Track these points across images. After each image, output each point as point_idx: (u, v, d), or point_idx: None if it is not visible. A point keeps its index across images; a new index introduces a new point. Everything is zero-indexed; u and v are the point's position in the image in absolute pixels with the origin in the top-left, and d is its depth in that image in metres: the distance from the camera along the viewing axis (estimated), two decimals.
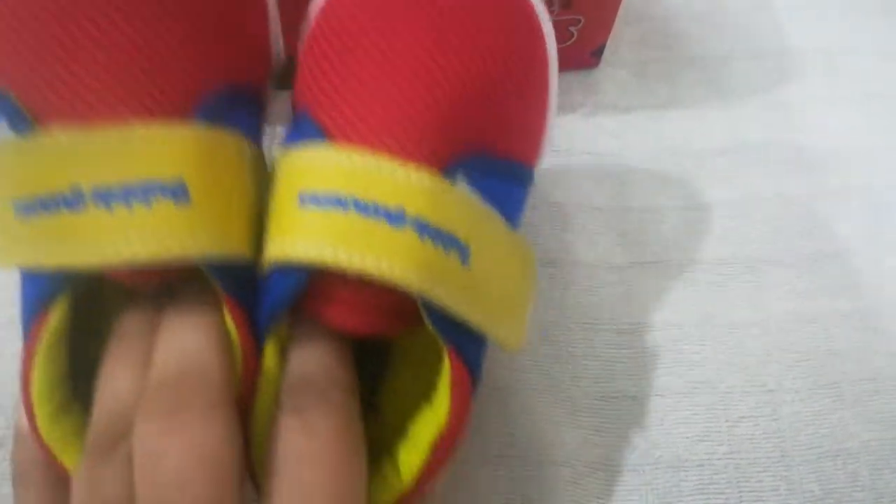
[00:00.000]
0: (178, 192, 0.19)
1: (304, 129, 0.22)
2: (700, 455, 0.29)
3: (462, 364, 0.21)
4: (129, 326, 0.22)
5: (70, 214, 0.19)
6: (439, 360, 0.23)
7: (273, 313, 0.21)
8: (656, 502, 0.28)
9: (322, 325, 0.22)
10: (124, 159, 0.19)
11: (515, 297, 0.24)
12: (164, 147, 0.19)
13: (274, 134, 0.29)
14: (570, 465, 0.29)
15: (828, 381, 0.30)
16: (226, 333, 0.21)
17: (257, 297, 0.22)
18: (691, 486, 0.29)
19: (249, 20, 0.24)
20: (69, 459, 0.21)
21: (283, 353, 0.22)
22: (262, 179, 0.23)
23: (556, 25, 0.35)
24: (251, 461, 0.22)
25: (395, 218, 0.20)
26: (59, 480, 0.21)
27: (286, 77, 0.26)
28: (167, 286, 0.22)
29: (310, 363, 0.22)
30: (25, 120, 0.20)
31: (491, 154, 0.23)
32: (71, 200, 0.19)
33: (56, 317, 0.21)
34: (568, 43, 0.36)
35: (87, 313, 0.23)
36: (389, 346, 0.27)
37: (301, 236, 0.20)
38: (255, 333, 0.22)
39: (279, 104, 0.27)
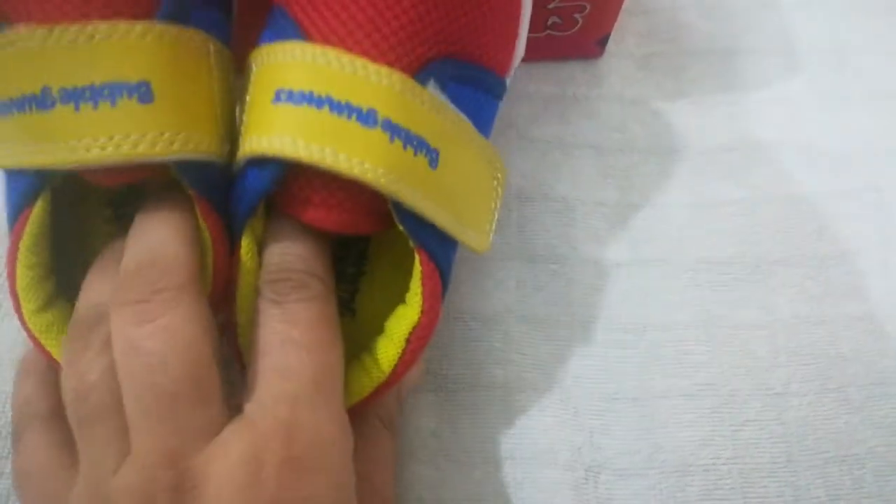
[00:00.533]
0: (143, 91, 0.20)
1: (281, 27, 0.23)
2: (705, 459, 0.28)
3: (430, 261, 0.23)
4: (112, 245, 0.24)
5: (41, 114, 0.20)
6: (413, 264, 0.24)
7: (248, 207, 0.22)
8: None
9: (299, 221, 0.23)
10: (90, 61, 0.20)
11: (481, 202, 0.25)
12: (128, 47, 0.20)
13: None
14: (572, 468, 0.28)
15: (835, 385, 0.30)
16: (194, 227, 0.22)
17: (228, 195, 0.23)
18: (696, 490, 0.28)
19: None
20: (55, 348, 0.23)
21: (259, 247, 0.23)
22: (230, 77, 0.24)
23: (561, 12, 0.34)
24: (237, 347, 0.23)
25: (366, 118, 0.21)
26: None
27: None
28: (141, 189, 0.23)
29: (288, 255, 0.23)
30: None
31: (462, 59, 0.23)
32: (41, 101, 0.20)
33: (36, 214, 0.22)
34: (572, 30, 0.35)
35: (73, 220, 0.25)
36: (367, 254, 0.28)
37: (276, 131, 0.21)
38: (227, 230, 0.23)
39: None
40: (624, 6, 0.34)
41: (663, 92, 0.36)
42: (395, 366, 0.23)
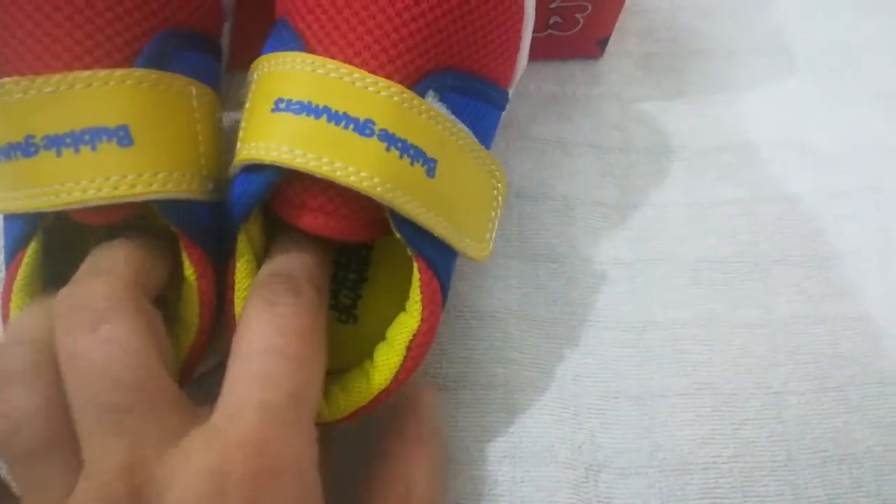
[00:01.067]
0: (122, 135, 0.21)
1: (283, 37, 0.23)
2: (705, 458, 0.28)
3: (429, 269, 0.23)
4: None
5: (25, 161, 0.20)
6: (413, 272, 0.24)
7: (243, 212, 0.23)
8: None
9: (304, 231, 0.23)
10: (71, 108, 0.20)
11: (481, 211, 0.25)
12: (107, 94, 0.21)
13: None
14: (572, 466, 0.28)
15: (833, 385, 0.30)
16: (150, 245, 0.23)
17: (215, 230, 0.24)
18: (696, 489, 0.28)
19: None
20: None
21: (255, 252, 0.24)
22: (217, 117, 0.24)
23: (563, 12, 0.34)
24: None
25: (363, 128, 0.21)
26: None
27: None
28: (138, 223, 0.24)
29: (292, 259, 0.23)
30: None
31: (462, 71, 0.24)
32: (25, 148, 0.20)
33: (29, 257, 0.22)
34: (573, 30, 0.35)
35: (73, 260, 0.25)
36: (369, 260, 0.29)
37: (273, 139, 0.21)
38: (212, 264, 0.23)
39: None
40: (624, 6, 0.34)
41: (663, 91, 0.37)
42: (396, 373, 0.23)
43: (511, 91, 0.27)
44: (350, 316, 0.28)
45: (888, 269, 0.32)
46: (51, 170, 0.20)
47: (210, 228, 0.24)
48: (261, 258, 0.24)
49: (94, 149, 0.20)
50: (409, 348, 0.23)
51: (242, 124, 0.23)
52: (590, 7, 0.34)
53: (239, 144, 0.23)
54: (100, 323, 0.20)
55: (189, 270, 0.23)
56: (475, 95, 0.24)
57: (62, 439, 0.19)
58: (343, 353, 0.26)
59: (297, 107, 0.21)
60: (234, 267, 0.23)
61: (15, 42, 0.21)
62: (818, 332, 0.31)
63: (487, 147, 0.26)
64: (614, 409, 0.29)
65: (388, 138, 0.21)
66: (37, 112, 0.20)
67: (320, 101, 0.21)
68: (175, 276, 0.24)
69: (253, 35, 0.26)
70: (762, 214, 0.33)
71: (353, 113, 0.21)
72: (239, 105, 0.24)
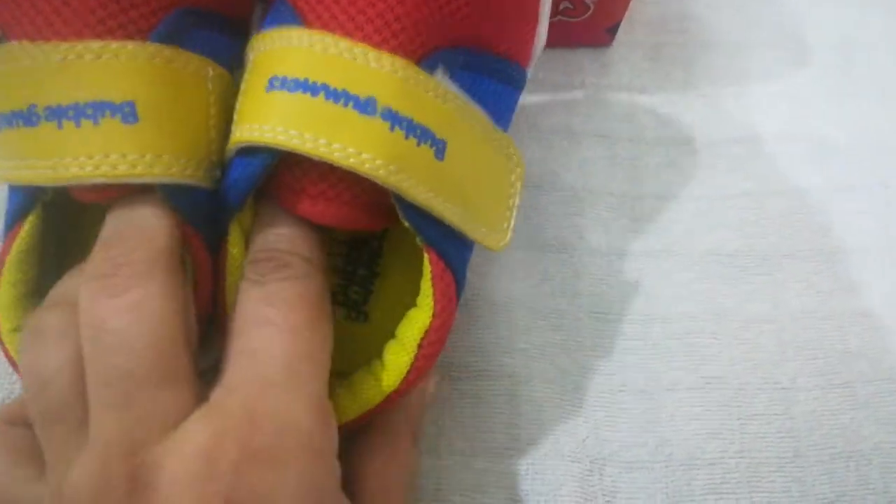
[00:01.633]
0: (126, 112, 0.20)
1: (280, 12, 0.22)
2: (712, 453, 0.28)
3: (441, 260, 0.21)
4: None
5: (27, 130, 0.19)
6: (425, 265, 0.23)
7: (237, 198, 0.21)
8: (666, 501, 0.27)
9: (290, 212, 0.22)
10: (77, 79, 0.19)
11: (497, 197, 0.23)
12: (116, 67, 0.20)
13: None
14: (578, 460, 0.28)
15: (842, 381, 0.29)
16: (173, 214, 0.21)
17: (213, 218, 0.22)
18: (702, 484, 0.28)
19: None
20: None
21: (246, 242, 0.22)
22: (232, 101, 0.23)
23: None
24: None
25: (364, 106, 0.19)
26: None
27: None
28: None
29: (271, 235, 0.22)
30: None
31: (476, 48, 0.22)
32: (27, 117, 0.19)
33: (25, 231, 0.21)
34: (584, 16, 0.35)
35: (73, 243, 0.24)
36: (381, 254, 0.27)
37: (268, 119, 0.20)
38: (212, 254, 0.22)
39: None
40: None
41: (672, 83, 0.36)
42: (407, 373, 0.22)
43: (529, 71, 0.26)
44: (360, 313, 0.27)
45: None
46: (51, 142, 0.19)
47: (211, 217, 0.22)
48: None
49: (95, 123, 0.19)
50: (420, 346, 0.22)
51: (237, 106, 0.22)
52: None
53: (233, 127, 0.22)
54: (128, 288, 0.19)
55: (187, 259, 0.22)
56: (490, 74, 0.23)
57: (79, 405, 0.19)
58: (353, 354, 0.24)
59: (292, 84, 0.20)
60: (224, 256, 0.22)
61: (27, 4, 0.20)
62: (827, 328, 0.30)
63: (505, 129, 0.24)
64: (620, 403, 0.29)
65: (392, 117, 0.20)
66: (43, 80, 0.19)
67: (318, 78, 0.20)
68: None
69: None
70: (771, 208, 0.33)
71: (353, 90, 0.20)
72: None
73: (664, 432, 0.28)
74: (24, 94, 0.20)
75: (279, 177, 0.21)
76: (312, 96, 0.20)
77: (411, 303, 0.23)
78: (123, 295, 0.19)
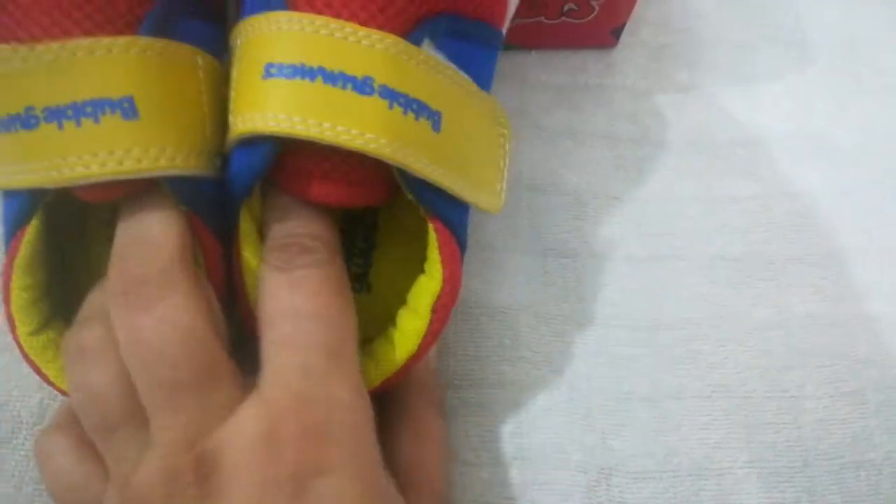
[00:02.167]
0: (126, 107, 0.20)
1: None
2: (720, 463, 0.28)
3: (445, 227, 0.22)
4: None
5: (26, 133, 0.19)
6: (425, 233, 0.23)
7: (243, 188, 0.22)
8: None
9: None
10: (72, 78, 0.19)
11: (489, 161, 0.24)
12: (111, 63, 0.20)
13: None
14: (584, 469, 0.27)
15: (851, 389, 0.29)
16: (179, 213, 0.22)
17: (221, 205, 0.23)
18: (711, 495, 0.27)
19: None
20: (51, 370, 0.22)
21: (257, 228, 0.23)
22: (222, 90, 0.23)
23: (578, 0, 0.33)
24: (249, 322, 0.22)
25: (362, 86, 0.20)
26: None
27: None
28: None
29: (289, 221, 0.22)
30: None
31: (454, 13, 0.22)
32: (25, 120, 0.19)
33: (30, 234, 0.21)
34: (588, 18, 0.34)
35: (74, 244, 0.25)
36: (376, 225, 0.28)
37: (269, 108, 0.20)
38: (220, 242, 0.23)
39: None
40: None
41: (677, 84, 0.35)
42: (423, 337, 0.23)
43: (504, 31, 0.26)
44: (364, 284, 0.27)
45: None
46: (52, 143, 0.19)
47: (216, 204, 0.23)
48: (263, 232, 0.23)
49: (97, 121, 0.19)
50: (433, 310, 0.22)
51: (231, 94, 0.22)
52: None
53: (231, 117, 0.22)
54: (154, 302, 0.20)
55: (196, 249, 0.22)
56: (470, 38, 0.23)
57: (134, 412, 0.20)
58: (361, 323, 0.25)
59: (289, 70, 0.20)
60: (238, 244, 0.22)
61: (12, 6, 0.19)
62: (835, 334, 0.30)
63: (486, 88, 0.24)
64: (626, 411, 0.28)
65: (389, 94, 0.20)
66: (37, 82, 0.19)
67: (314, 62, 0.20)
68: None
69: None
70: (777, 211, 0.32)
71: (349, 71, 0.20)
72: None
73: (671, 442, 0.28)
74: (20, 96, 0.19)
75: (283, 162, 0.21)
76: (311, 81, 0.20)
77: (410, 268, 0.25)
78: (151, 310, 0.20)
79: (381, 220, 0.28)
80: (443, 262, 0.22)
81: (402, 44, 0.20)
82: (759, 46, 0.37)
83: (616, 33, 0.35)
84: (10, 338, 0.27)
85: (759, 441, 0.28)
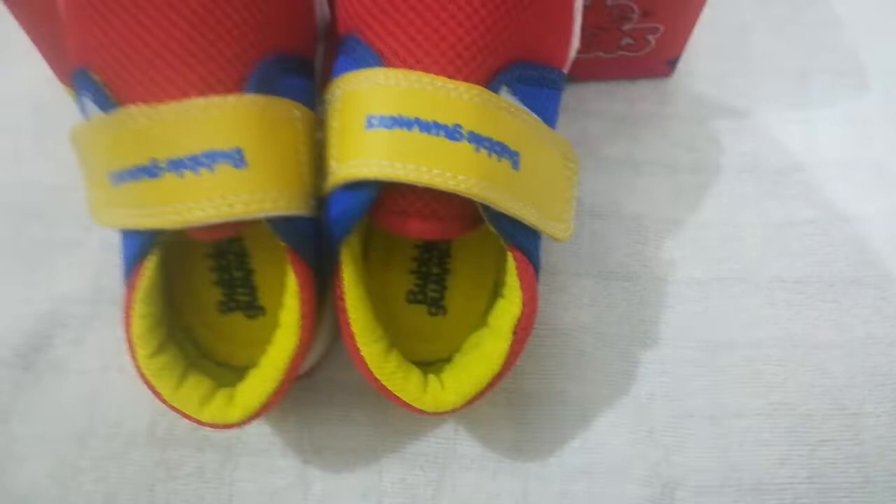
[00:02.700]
0: (237, 158, 0.22)
1: (359, 55, 0.24)
2: (781, 479, 0.29)
3: (523, 255, 0.24)
4: None
5: (151, 182, 0.22)
6: (494, 263, 0.28)
7: (346, 228, 0.24)
8: None
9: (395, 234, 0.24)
10: (190, 132, 0.22)
11: (560, 193, 0.26)
12: (222, 119, 0.22)
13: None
14: (649, 484, 0.29)
15: None
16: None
17: (315, 240, 0.25)
18: None
19: None
20: (166, 390, 0.25)
21: (356, 262, 0.25)
22: (315, 136, 0.25)
23: (635, 34, 0.34)
24: (355, 350, 0.25)
25: (452, 133, 0.22)
26: None
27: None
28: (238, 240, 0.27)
29: None
30: (108, 99, 0.23)
31: (527, 62, 0.25)
32: (150, 170, 0.22)
33: (149, 268, 0.24)
34: (644, 51, 0.36)
35: (179, 272, 0.27)
36: (449, 252, 0.30)
37: (374, 155, 0.22)
38: (314, 276, 0.25)
39: None
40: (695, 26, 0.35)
41: (733, 111, 0.37)
42: (506, 357, 0.25)
43: (566, 69, 0.28)
44: (440, 308, 0.30)
45: None
46: (174, 190, 0.22)
47: (312, 241, 0.25)
48: (361, 266, 0.25)
49: (211, 170, 0.22)
50: (514, 332, 0.25)
51: (333, 142, 0.24)
52: (662, 28, 0.34)
53: (334, 163, 0.24)
54: None
55: (292, 281, 0.24)
56: (539, 82, 0.25)
57: None
58: (439, 343, 0.28)
59: (389, 121, 0.22)
60: (340, 278, 0.24)
61: (138, 72, 0.22)
62: (894, 354, 0.31)
63: (553, 125, 0.26)
64: (689, 428, 0.30)
65: (476, 139, 0.22)
66: (160, 137, 0.22)
67: (410, 113, 0.22)
68: (278, 285, 0.25)
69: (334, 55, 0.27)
70: (835, 234, 0.33)
71: (441, 120, 0.22)
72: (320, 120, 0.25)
73: (734, 458, 0.29)
74: (146, 150, 0.22)
75: (381, 203, 0.24)
76: (408, 130, 0.22)
77: (480, 292, 0.28)
78: None
79: (453, 246, 0.30)
80: (522, 287, 0.24)
81: (486, 93, 0.23)
82: (815, 75, 0.38)
83: (672, 64, 0.37)
84: (120, 360, 0.30)
85: (819, 458, 0.29)
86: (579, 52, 0.35)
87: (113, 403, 0.30)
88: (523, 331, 0.25)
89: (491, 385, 0.25)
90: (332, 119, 0.24)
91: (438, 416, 0.29)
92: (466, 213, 0.24)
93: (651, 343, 0.31)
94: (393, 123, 0.22)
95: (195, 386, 0.25)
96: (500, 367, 0.25)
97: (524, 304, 0.24)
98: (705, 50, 0.38)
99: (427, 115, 0.22)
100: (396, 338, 0.26)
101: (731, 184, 0.35)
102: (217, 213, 0.22)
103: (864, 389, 0.30)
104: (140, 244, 0.24)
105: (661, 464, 0.29)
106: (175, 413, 0.25)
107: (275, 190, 0.23)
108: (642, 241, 0.33)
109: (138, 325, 0.24)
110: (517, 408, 0.30)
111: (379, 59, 0.23)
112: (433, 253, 0.30)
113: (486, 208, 0.23)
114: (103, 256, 0.33)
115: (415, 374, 0.25)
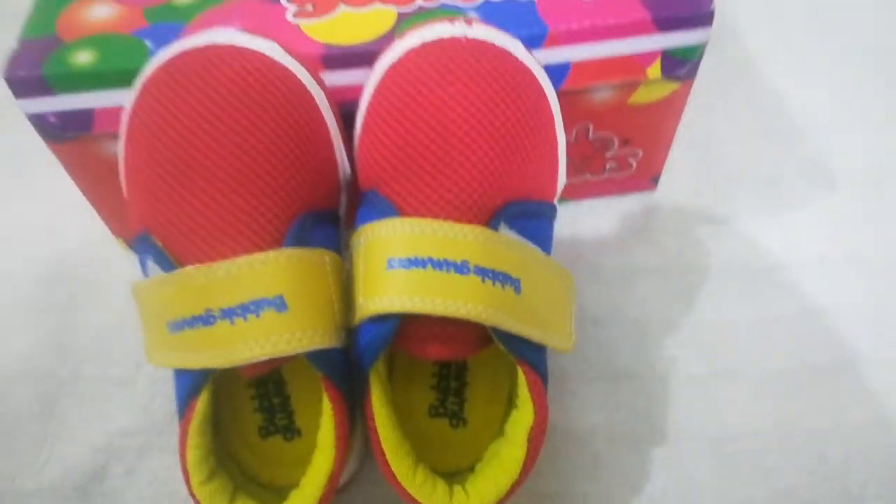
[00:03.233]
0: (279, 304, 0.25)
1: (377, 205, 0.28)
2: None
3: (531, 369, 0.28)
4: None
5: (205, 329, 0.25)
6: (508, 374, 0.31)
7: (374, 356, 0.27)
8: None
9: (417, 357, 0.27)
10: (239, 285, 0.26)
11: (560, 309, 0.29)
12: (266, 272, 0.26)
13: None
14: None
15: None
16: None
17: (346, 368, 0.28)
18: None
19: (323, 158, 0.30)
20: None
21: (383, 385, 0.28)
22: (343, 278, 0.29)
23: (618, 158, 0.39)
24: (381, 459, 0.27)
25: (461, 268, 0.26)
26: None
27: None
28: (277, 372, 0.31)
29: None
30: (167, 260, 0.27)
31: (521, 200, 0.28)
32: (205, 319, 0.25)
33: (202, 403, 0.27)
34: (628, 172, 0.40)
35: (224, 403, 0.31)
36: (466, 367, 0.33)
37: (395, 292, 0.26)
38: (346, 400, 0.28)
39: None
40: (673, 144, 0.39)
41: (714, 217, 0.41)
42: (523, 464, 0.27)
43: (556, 201, 0.32)
44: (460, 420, 0.32)
45: None
46: (225, 334, 0.25)
47: (343, 369, 0.28)
48: (388, 388, 0.28)
49: (258, 316, 0.25)
50: (528, 440, 0.27)
51: (358, 282, 0.28)
52: (641, 152, 0.39)
53: (360, 300, 0.27)
54: None
55: (328, 406, 0.27)
56: (533, 215, 0.29)
57: None
58: (462, 454, 0.31)
59: (406, 262, 0.26)
60: (369, 401, 0.28)
61: (193, 236, 0.27)
62: (892, 435, 0.33)
63: (548, 252, 0.30)
64: None
65: (482, 272, 0.26)
66: (214, 290, 0.25)
67: (423, 254, 0.26)
68: (314, 405, 0.29)
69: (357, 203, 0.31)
70: (822, 325, 0.36)
71: (451, 258, 0.26)
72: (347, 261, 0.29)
73: None
74: (201, 302, 0.26)
75: (404, 332, 0.27)
76: (423, 269, 0.26)
77: (496, 403, 0.31)
78: None
79: (470, 362, 0.33)
80: (533, 398, 0.27)
81: (487, 231, 0.27)
82: (788, 178, 0.42)
83: (654, 180, 0.41)
84: (169, 488, 0.33)
85: None
86: (570, 176, 0.39)
87: None
88: (537, 437, 0.27)
89: (512, 491, 0.28)
90: (357, 263, 0.28)
91: None
92: (478, 334, 0.27)
93: (660, 438, 0.34)
94: (409, 264, 0.26)
95: None
96: (519, 474, 0.27)
97: (535, 413, 0.27)
98: (684, 164, 0.42)
99: (438, 255, 0.26)
100: (421, 451, 0.29)
101: (719, 284, 0.38)
102: (262, 351, 0.25)
103: (865, 472, 0.32)
104: (193, 382, 0.27)
105: None
106: None
107: (311, 329, 0.26)
108: (643, 343, 0.36)
109: (193, 455, 0.27)
110: None
111: (395, 210, 0.28)
112: (451, 369, 0.33)
113: (495, 329, 0.27)
114: (152, 391, 0.36)
115: (441, 485, 0.28)
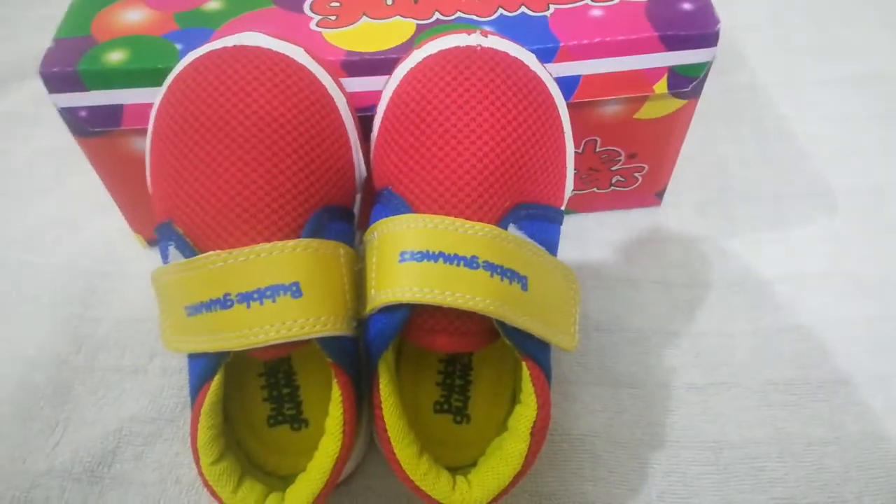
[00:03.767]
0: (295, 290, 0.26)
1: (392, 202, 0.29)
2: None
3: (536, 365, 0.28)
4: None
5: (223, 312, 0.26)
6: (511, 374, 0.32)
7: (383, 346, 0.28)
8: None
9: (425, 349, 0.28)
10: (257, 271, 0.27)
11: (565, 309, 0.30)
12: (283, 259, 0.27)
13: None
14: None
15: None
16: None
17: (355, 356, 0.29)
18: None
19: (341, 158, 0.31)
20: (225, 494, 0.28)
21: (391, 375, 0.29)
22: (355, 270, 0.30)
23: (623, 172, 0.40)
24: (387, 450, 0.28)
25: (471, 263, 0.27)
26: None
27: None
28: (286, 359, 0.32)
29: None
30: (189, 246, 0.28)
31: (530, 202, 0.29)
32: (223, 303, 0.26)
33: (214, 386, 0.28)
34: (634, 186, 0.41)
35: (234, 388, 0.31)
36: (471, 365, 0.34)
37: (406, 284, 0.27)
38: (355, 386, 0.29)
39: None
40: (677, 160, 0.40)
41: (719, 233, 0.41)
42: (526, 457, 0.28)
43: (563, 207, 0.33)
44: (464, 417, 0.33)
45: None
46: (242, 318, 0.26)
47: (353, 357, 0.29)
48: (395, 378, 0.29)
49: (274, 301, 0.26)
50: (531, 434, 0.28)
51: (372, 275, 0.29)
52: (647, 167, 0.40)
53: (373, 291, 0.28)
54: None
55: (336, 393, 0.28)
56: (541, 218, 0.30)
57: None
58: (465, 451, 0.31)
59: (418, 255, 0.27)
60: (378, 388, 0.28)
61: (215, 224, 0.28)
62: (886, 448, 0.33)
63: (555, 255, 0.31)
64: None
65: (491, 267, 0.27)
66: (233, 275, 0.26)
67: (435, 248, 0.27)
68: (322, 396, 0.29)
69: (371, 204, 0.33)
70: (821, 339, 0.37)
71: (461, 253, 0.27)
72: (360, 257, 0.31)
73: None
74: (221, 286, 0.27)
75: (413, 323, 0.28)
76: (434, 262, 0.27)
77: (499, 400, 0.32)
78: None
79: (474, 361, 0.34)
80: (536, 392, 0.28)
81: (497, 230, 0.28)
82: (789, 197, 0.43)
83: (659, 195, 0.42)
84: (175, 473, 0.33)
85: None
86: (577, 189, 0.40)
87: None
88: (540, 431, 0.28)
89: (513, 483, 0.28)
90: (370, 256, 0.29)
91: None
92: (485, 329, 0.28)
93: (659, 444, 0.34)
94: (422, 257, 0.27)
95: (250, 489, 0.28)
96: (521, 466, 0.28)
97: (539, 407, 0.28)
98: (689, 181, 0.44)
99: (449, 250, 0.27)
100: (425, 446, 0.30)
101: (722, 297, 0.39)
102: (277, 335, 0.26)
103: (860, 483, 0.32)
104: (206, 366, 0.28)
105: None
106: None
107: (324, 315, 0.27)
108: (645, 352, 0.37)
109: (203, 436, 0.28)
110: None
111: (409, 207, 0.29)
112: (456, 366, 0.34)
113: (502, 324, 0.28)
114: (163, 382, 0.37)
115: (444, 475, 0.29)
